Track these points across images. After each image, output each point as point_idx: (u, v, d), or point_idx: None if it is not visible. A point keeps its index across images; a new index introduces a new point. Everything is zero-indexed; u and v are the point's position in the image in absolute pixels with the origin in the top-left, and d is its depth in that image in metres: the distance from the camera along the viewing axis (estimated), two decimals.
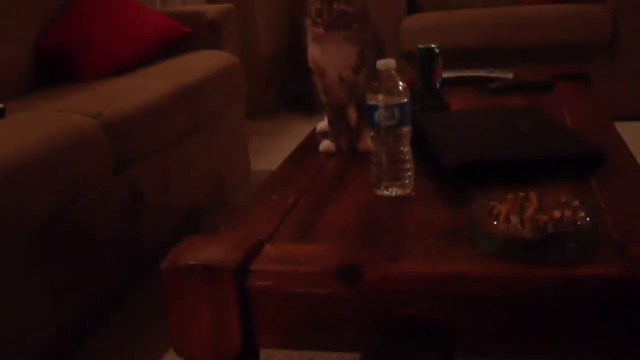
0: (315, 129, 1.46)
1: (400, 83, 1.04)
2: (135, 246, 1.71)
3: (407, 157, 1.05)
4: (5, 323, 1.25)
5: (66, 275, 1.42)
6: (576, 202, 0.86)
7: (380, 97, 1.03)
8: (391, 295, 0.81)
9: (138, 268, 1.72)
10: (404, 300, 0.81)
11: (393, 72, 1.05)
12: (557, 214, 0.83)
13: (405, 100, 1.03)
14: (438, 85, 1.58)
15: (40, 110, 1.65)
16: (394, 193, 1.04)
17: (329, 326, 0.84)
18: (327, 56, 1.24)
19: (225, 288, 0.84)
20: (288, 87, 3.44)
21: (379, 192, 1.05)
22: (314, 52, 1.26)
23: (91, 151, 1.52)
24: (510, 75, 1.81)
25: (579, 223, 0.82)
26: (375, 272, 0.82)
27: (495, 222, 0.84)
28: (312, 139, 1.40)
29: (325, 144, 1.30)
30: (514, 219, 0.83)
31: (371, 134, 1.05)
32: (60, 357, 1.40)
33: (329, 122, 1.32)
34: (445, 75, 1.61)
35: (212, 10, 2.38)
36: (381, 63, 1.04)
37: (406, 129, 1.04)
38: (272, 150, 2.77)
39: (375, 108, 1.04)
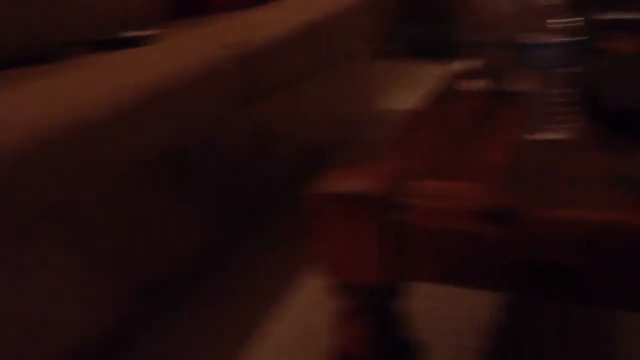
0: (453, 69, 1.41)
1: (560, 20, 0.98)
2: (260, 181, 1.74)
3: (564, 100, 0.99)
4: (153, 242, 1.31)
5: (190, 203, 1.46)
6: None
7: (538, 35, 0.98)
8: (543, 240, 0.78)
9: (263, 203, 1.75)
10: (555, 246, 0.78)
11: (552, 8, 0.99)
12: None
13: (564, 39, 0.97)
14: (591, 29, 1.48)
15: (176, 40, 1.69)
16: (548, 137, 0.99)
17: (472, 265, 0.82)
18: None
19: (369, 219, 0.83)
20: (417, 30, 3.37)
21: (532, 136, 1.00)
22: None
23: (222, 82, 1.54)
24: None
25: None
26: (528, 214, 0.78)
27: None
28: (453, 79, 1.35)
29: (470, 84, 1.26)
30: None
31: (525, 74, 1.00)
32: (206, 276, 1.47)
33: (476, 61, 1.27)
34: (598, 17, 1.51)
35: None
36: None
37: (563, 70, 0.98)
38: (400, 92, 2.73)
39: (531, 46, 0.99)
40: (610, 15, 1.70)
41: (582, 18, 1.49)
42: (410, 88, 2.74)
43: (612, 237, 0.76)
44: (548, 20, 0.98)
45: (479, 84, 1.25)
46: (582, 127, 1.01)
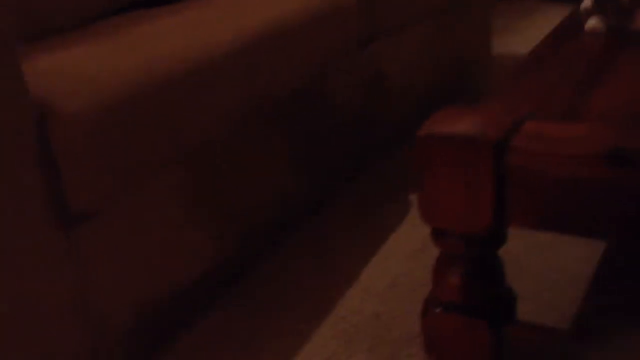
0: (583, 7, 1.34)
1: None
2: (372, 124, 1.73)
3: None
4: (251, 186, 1.34)
5: (301, 147, 1.48)
6: None
7: None
8: None
9: (373, 147, 1.75)
10: None
11: None
12: None
13: None
14: None
15: None
16: None
17: (587, 211, 0.79)
18: None
19: (482, 161, 0.82)
20: None
21: None
22: None
23: (343, 21, 1.53)
24: None
25: None
26: None
27: None
28: (576, 18, 1.28)
29: (593, 23, 1.19)
30: None
31: None
32: (297, 220, 1.50)
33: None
34: None
35: None
36: None
37: None
38: (518, 33, 2.62)
39: None
40: None
41: None
42: (536, 29, 2.62)
43: None
44: None
45: (604, 23, 1.18)
46: None
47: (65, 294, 0.95)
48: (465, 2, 2.13)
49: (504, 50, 2.44)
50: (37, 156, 0.89)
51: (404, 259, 1.35)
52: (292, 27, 1.36)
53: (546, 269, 1.27)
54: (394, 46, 1.78)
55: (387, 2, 1.67)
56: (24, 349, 0.91)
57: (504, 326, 0.94)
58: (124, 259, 1.05)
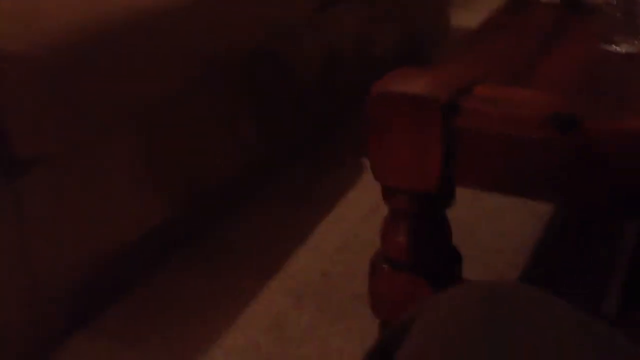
0: None
1: None
2: (329, 89, 1.74)
3: None
4: (205, 146, 1.33)
5: (259, 108, 1.47)
6: None
7: None
8: (607, 150, 0.77)
9: (330, 112, 1.76)
10: (619, 157, 0.77)
11: None
12: None
13: None
14: None
15: None
16: (624, 50, 0.96)
17: (533, 173, 0.81)
18: None
19: (431, 122, 0.83)
20: None
21: (607, 47, 0.97)
22: None
23: None
24: None
25: None
26: (593, 123, 0.77)
27: None
28: None
29: None
30: None
31: None
32: (249, 182, 1.50)
33: None
34: None
35: None
36: None
37: None
38: (476, 6, 2.65)
39: None
40: None
41: None
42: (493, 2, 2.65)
43: None
44: None
45: None
46: None
47: (6, 246, 0.94)
48: None
49: (463, 23, 2.46)
50: None
51: (355, 221, 1.36)
52: None
53: (493, 234, 1.30)
54: (351, 12, 1.78)
55: None
56: None
57: (449, 285, 0.96)
58: (70, 213, 1.03)
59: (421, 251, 0.93)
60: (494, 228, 1.32)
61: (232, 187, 1.44)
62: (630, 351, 0.39)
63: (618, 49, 0.96)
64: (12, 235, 0.94)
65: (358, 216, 1.38)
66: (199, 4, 1.20)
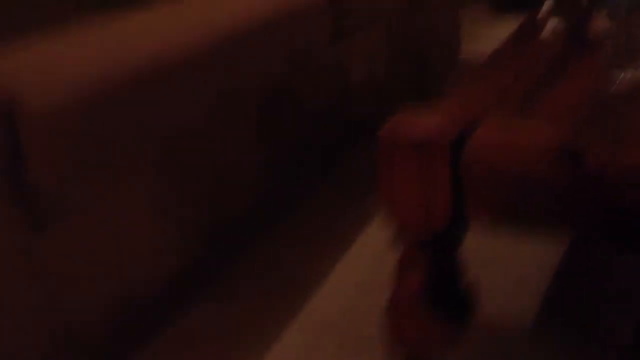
0: (538, 12, 1.37)
1: None
2: (343, 118, 1.75)
3: None
4: (220, 184, 1.35)
5: (270, 142, 1.50)
6: None
7: None
8: (612, 183, 0.77)
9: (342, 143, 1.77)
10: (624, 189, 0.77)
11: None
12: None
13: None
14: None
15: None
16: (629, 75, 0.96)
17: (540, 205, 0.82)
18: None
19: (440, 162, 0.84)
20: None
21: (612, 73, 0.98)
22: None
23: (315, 18, 1.55)
24: None
25: None
26: (599, 156, 0.78)
27: None
28: (535, 22, 1.32)
29: (551, 27, 1.23)
30: None
31: (609, 13, 0.97)
32: (273, 215, 1.52)
33: (557, 4, 1.23)
34: None
35: None
36: None
37: None
38: (486, 39, 2.67)
39: None
40: None
41: None
42: (502, 35, 2.67)
43: None
44: None
45: (562, 26, 1.22)
46: None
47: (31, 296, 0.96)
48: (435, 5, 2.16)
49: (473, 55, 2.48)
50: (3, 152, 0.89)
51: (373, 257, 1.37)
52: (262, 25, 1.37)
53: (513, 263, 1.30)
54: (362, 42, 1.80)
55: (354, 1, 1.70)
56: None
57: (465, 322, 0.97)
58: (93, 260, 1.05)
59: (435, 288, 0.94)
60: (515, 256, 1.32)
61: (248, 225, 1.45)
62: None
63: (623, 74, 0.97)
64: (40, 286, 0.96)
65: (376, 251, 1.39)
66: (209, 49, 1.23)
